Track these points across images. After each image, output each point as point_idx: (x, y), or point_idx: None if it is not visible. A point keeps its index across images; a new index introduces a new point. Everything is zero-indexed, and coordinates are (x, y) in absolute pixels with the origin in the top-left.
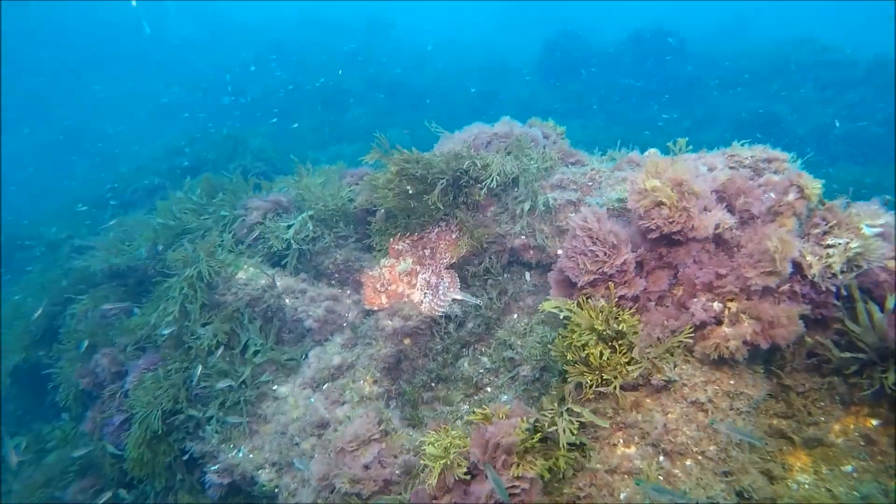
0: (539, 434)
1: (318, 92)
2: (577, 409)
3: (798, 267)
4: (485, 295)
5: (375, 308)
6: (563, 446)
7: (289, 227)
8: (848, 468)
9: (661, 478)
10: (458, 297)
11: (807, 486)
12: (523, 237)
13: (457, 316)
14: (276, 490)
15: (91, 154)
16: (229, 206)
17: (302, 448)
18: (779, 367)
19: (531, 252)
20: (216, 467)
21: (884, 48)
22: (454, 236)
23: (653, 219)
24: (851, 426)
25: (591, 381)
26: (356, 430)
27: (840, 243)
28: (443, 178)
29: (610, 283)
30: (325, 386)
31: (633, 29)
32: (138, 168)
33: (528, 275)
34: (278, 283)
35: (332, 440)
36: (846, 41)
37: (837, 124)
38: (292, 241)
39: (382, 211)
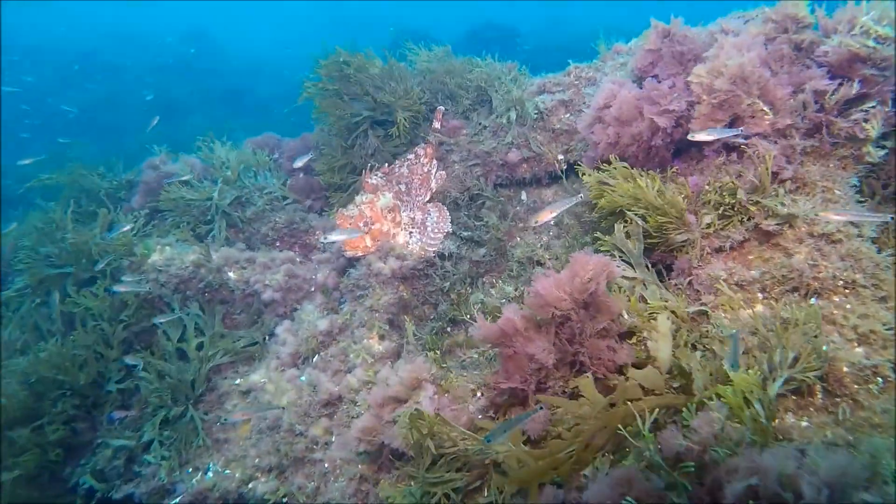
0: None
1: (147, 105)
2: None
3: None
4: (488, 219)
5: (359, 253)
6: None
7: (207, 198)
8: None
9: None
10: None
11: None
12: (516, 150)
13: (451, 254)
14: (284, 499)
15: None
16: (111, 178)
17: (312, 435)
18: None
19: (524, 166)
20: (177, 501)
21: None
22: (426, 169)
23: None
24: None
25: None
26: (404, 378)
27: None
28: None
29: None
30: (315, 359)
31: (470, 26)
32: None
33: (524, 194)
34: (214, 256)
35: (361, 413)
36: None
37: None
38: (216, 205)
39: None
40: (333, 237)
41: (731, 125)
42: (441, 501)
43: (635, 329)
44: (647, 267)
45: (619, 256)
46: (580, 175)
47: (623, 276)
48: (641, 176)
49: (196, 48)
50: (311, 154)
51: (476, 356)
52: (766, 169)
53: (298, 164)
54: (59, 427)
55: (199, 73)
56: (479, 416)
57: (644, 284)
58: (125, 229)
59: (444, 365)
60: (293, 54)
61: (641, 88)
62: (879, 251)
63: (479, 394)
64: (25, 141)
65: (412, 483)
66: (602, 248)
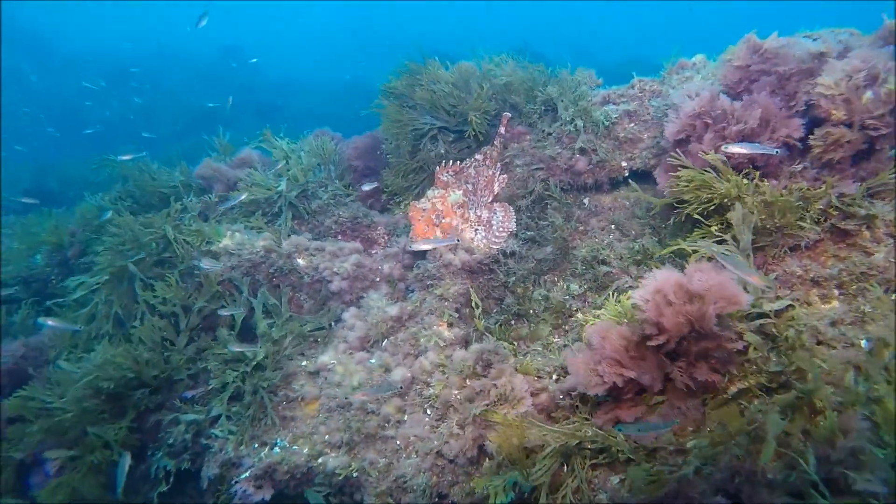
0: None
1: (182, 117)
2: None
3: None
4: (554, 219)
5: (430, 245)
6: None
7: (277, 181)
8: None
9: None
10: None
11: None
12: (582, 156)
13: (514, 252)
14: (355, 474)
15: None
16: (183, 174)
17: (384, 413)
18: None
19: (588, 172)
20: (247, 474)
21: None
22: (491, 172)
23: None
24: None
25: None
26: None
27: None
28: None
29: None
30: (385, 343)
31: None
32: None
33: (586, 200)
34: (284, 243)
35: (435, 393)
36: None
37: None
38: (285, 197)
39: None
40: (422, 245)
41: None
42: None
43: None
44: (748, 256)
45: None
46: (665, 178)
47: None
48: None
49: (232, 64)
50: (377, 181)
51: (540, 348)
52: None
53: (367, 188)
54: (121, 427)
55: (232, 88)
56: (561, 396)
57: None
58: (242, 198)
59: (518, 354)
60: (325, 73)
61: (736, 101)
62: None
63: (554, 376)
64: (87, 137)
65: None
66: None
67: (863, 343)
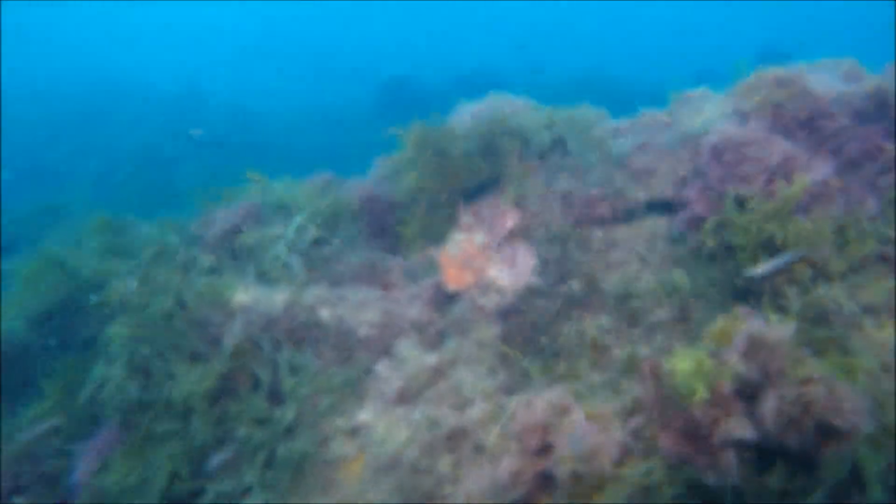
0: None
1: (138, 154)
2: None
3: None
4: (574, 255)
5: (462, 288)
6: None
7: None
8: None
9: None
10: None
11: None
12: (597, 189)
13: (540, 290)
14: None
15: None
16: (175, 231)
17: (440, 472)
18: None
19: (604, 204)
20: None
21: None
22: (503, 208)
23: None
24: None
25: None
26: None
27: None
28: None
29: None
30: (427, 394)
31: (460, 72)
32: None
33: (600, 232)
34: (305, 295)
35: (492, 445)
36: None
37: None
38: (290, 247)
39: (423, 203)
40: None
41: None
42: None
43: None
44: None
45: None
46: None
47: None
48: None
49: (186, 99)
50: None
51: (581, 388)
52: None
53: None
54: None
55: (182, 121)
56: (630, 440)
57: None
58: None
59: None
60: (279, 103)
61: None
62: None
63: (617, 422)
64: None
65: None
66: None
67: None
